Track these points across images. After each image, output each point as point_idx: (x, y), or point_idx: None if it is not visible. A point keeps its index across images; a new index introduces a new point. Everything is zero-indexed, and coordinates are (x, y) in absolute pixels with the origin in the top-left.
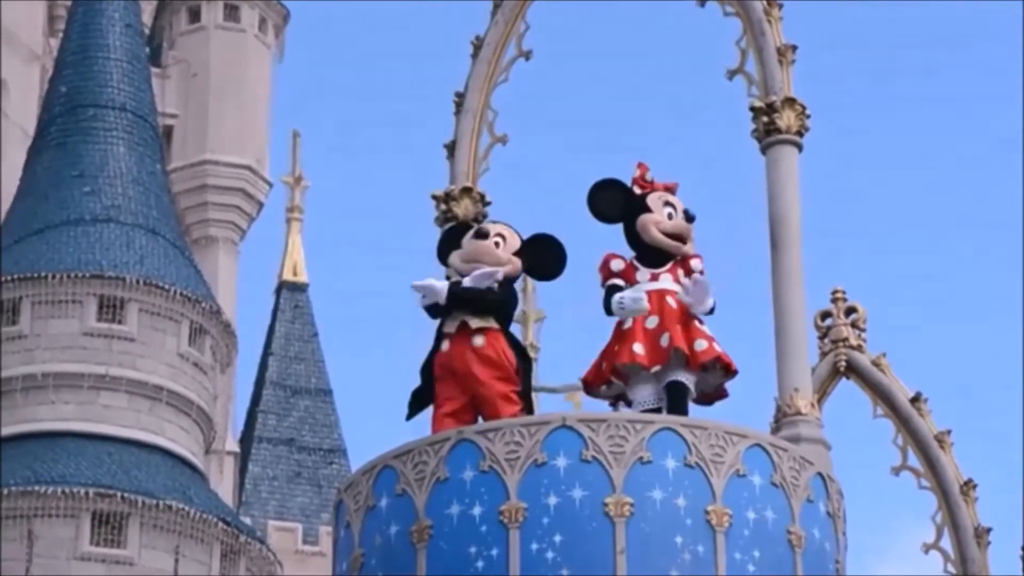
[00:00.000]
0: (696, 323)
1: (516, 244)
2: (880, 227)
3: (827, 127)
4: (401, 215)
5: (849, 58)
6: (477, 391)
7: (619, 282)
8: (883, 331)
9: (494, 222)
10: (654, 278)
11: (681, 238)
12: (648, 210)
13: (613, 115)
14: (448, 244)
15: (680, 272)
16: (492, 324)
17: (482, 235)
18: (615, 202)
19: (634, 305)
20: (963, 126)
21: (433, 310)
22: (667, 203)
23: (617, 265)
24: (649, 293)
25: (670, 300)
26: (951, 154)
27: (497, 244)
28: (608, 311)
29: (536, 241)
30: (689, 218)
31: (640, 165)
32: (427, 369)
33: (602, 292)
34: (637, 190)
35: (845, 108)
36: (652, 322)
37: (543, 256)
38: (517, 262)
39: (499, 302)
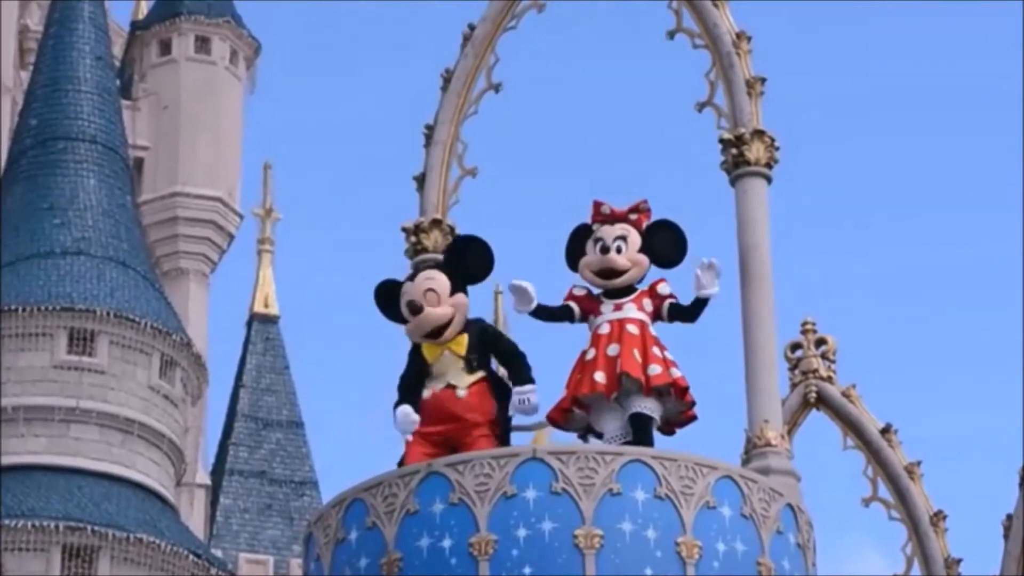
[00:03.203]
0: (655, 349)
1: (445, 284)
2: (850, 259)
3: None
4: (372, 247)
5: (819, 88)
6: (452, 436)
7: (572, 304)
8: (853, 362)
9: (422, 267)
10: (618, 308)
11: (608, 273)
12: (584, 253)
13: (582, 147)
14: (386, 305)
15: (645, 300)
16: (479, 376)
17: (416, 311)
18: (577, 251)
19: (520, 291)
20: (938, 157)
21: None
22: (597, 239)
23: (579, 291)
24: (611, 322)
25: (630, 328)
26: (923, 184)
27: (433, 301)
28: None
29: (450, 250)
30: (620, 238)
31: (594, 203)
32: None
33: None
34: (596, 227)
35: (815, 138)
36: (613, 349)
37: (464, 258)
38: (460, 300)
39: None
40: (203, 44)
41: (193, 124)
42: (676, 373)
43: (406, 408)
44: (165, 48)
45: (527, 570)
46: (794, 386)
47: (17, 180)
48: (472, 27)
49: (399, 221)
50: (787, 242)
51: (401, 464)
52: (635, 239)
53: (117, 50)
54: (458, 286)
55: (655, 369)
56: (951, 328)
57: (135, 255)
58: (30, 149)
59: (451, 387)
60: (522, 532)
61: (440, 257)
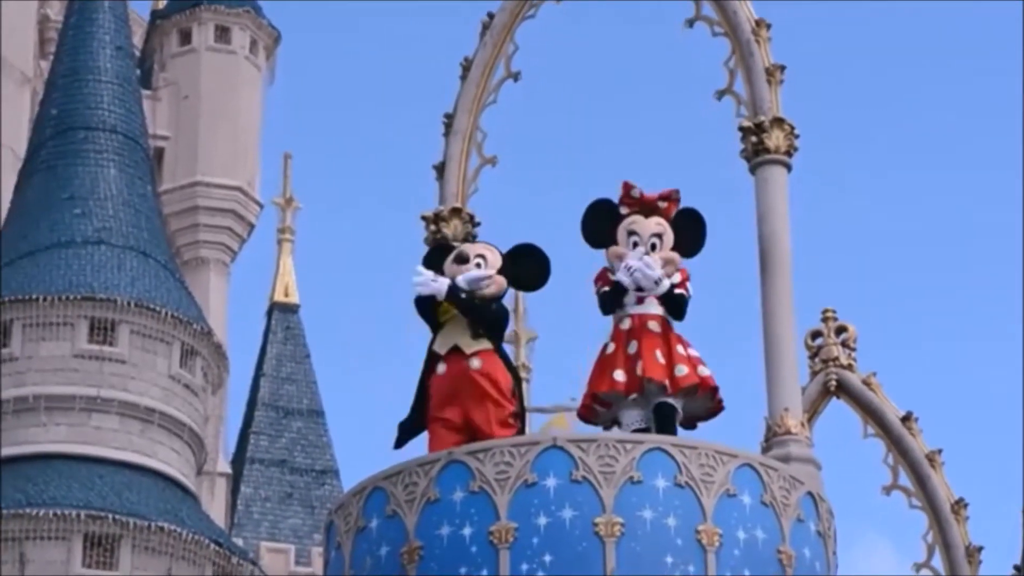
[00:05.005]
0: (680, 347)
1: (498, 262)
2: (871, 246)
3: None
4: (392, 236)
5: (838, 76)
6: (473, 415)
7: (610, 286)
8: (873, 350)
9: (475, 241)
10: (640, 301)
11: None
12: (615, 241)
13: (601, 135)
14: (430, 267)
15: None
16: (486, 345)
17: (462, 259)
18: (601, 229)
19: (646, 270)
20: (955, 142)
21: (425, 308)
22: (632, 232)
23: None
24: (633, 316)
25: (652, 324)
26: (943, 171)
27: (479, 265)
28: (605, 310)
29: (518, 253)
30: (657, 235)
31: (624, 184)
32: (421, 392)
33: (596, 299)
34: (624, 210)
35: (834, 127)
36: (633, 347)
37: (526, 267)
38: (501, 280)
39: (495, 318)
40: (223, 34)
41: (213, 114)
42: (704, 372)
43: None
44: (185, 38)
45: (547, 558)
46: (814, 374)
47: (38, 170)
48: (491, 16)
49: (419, 210)
50: (807, 230)
51: (403, 430)
52: (670, 237)
53: (137, 40)
54: (503, 271)
55: (682, 370)
56: (972, 316)
57: (155, 245)
58: (50, 139)
59: (457, 349)
60: (542, 520)
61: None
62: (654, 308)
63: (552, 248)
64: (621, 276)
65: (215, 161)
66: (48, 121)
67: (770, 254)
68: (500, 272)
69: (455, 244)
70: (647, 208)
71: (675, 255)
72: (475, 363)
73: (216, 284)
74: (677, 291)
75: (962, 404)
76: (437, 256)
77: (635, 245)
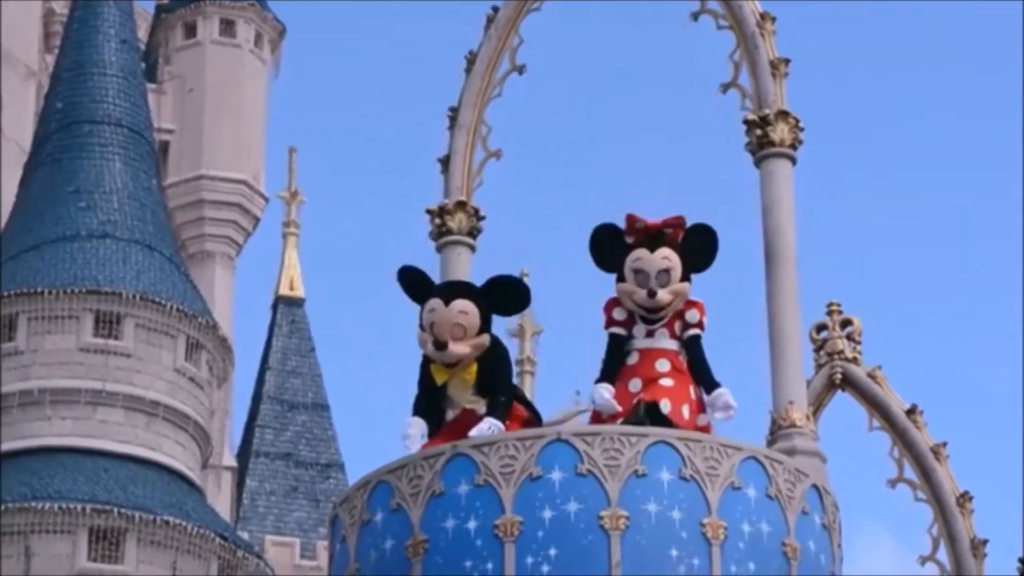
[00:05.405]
0: (685, 407)
1: (475, 323)
2: (876, 239)
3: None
4: (397, 230)
5: (843, 70)
6: None
7: (619, 331)
8: (879, 343)
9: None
10: (649, 335)
11: (653, 311)
12: (621, 270)
13: (606, 129)
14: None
15: (676, 324)
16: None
17: (440, 347)
18: (608, 256)
19: (602, 403)
20: (959, 137)
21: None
22: (637, 271)
23: (619, 314)
24: (641, 351)
25: (660, 364)
26: (947, 165)
27: (458, 335)
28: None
29: (492, 287)
30: (664, 271)
31: (627, 217)
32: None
33: (605, 336)
34: (629, 239)
35: (839, 120)
36: (635, 385)
37: (503, 299)
38: (483, 341)
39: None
40: (228, 27)
41: (218, 107)
42: (702, 421)
43: (417, 421)
44: (190, 31)
45: (553, 551)
46: (819, 367)
47: (43, 163)
48: (496, 9)
49: (424, 203)
50: (813, 224)
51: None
52: (677, 269)
53: (142, 33)
54: (485, 326)
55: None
56: (977, 310)
57: (161, 238)
58: (55, 133)
59: (469, 410)
60: (547, 513)
61: (466, 281)
62: (664, 342)
63: (556, 242)
64: (596, 400)
65: (220, 155)
66: (53, 115)
67: (775, 247)
68: (480, 307)
69: (431, 284)
70: (652, 239)
71: (684, 286)
72: (482, 410)
73: (221, 278)
74: (691, 332)
75: (968, 397)
76: (417, 289)
77: (647, 291)
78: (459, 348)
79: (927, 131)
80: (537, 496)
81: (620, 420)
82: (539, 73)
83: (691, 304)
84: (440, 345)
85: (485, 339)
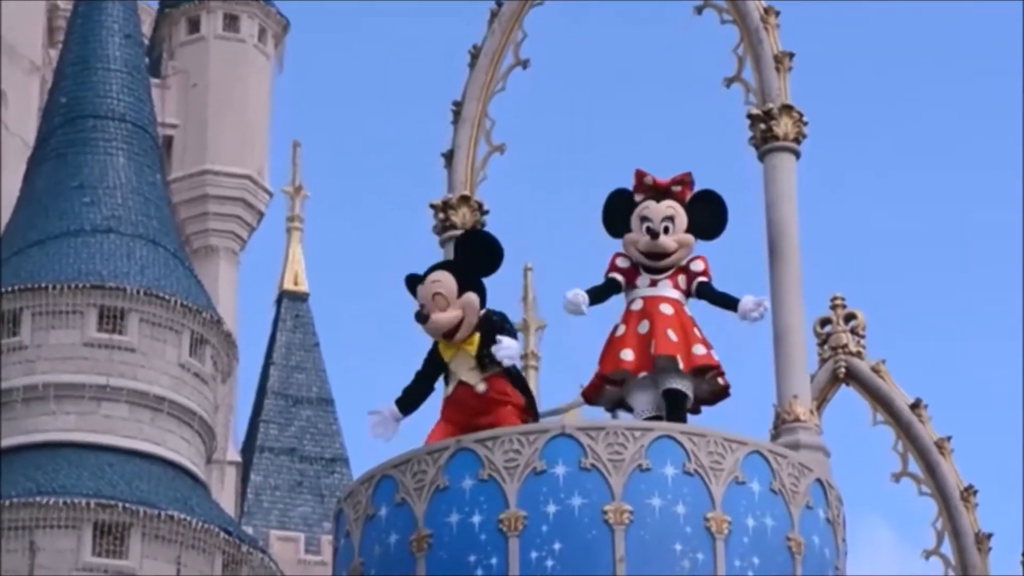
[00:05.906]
0: (696, 330)
1: (452, 285)
2: (879, 234)
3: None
4: (401, 224)
5: (847, 64)
6: (479, 421)
7: (617, 276)
8: (882, 338)
9: (429, 273)
10: (653, 284)
11: (656, 256)
12: (629, 229)
13: (610, 123)
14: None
15: (680, 277)
16: (490, 372)
17: (422, 319)
18: (618, 219)
19: (572, 303)
20: (962, 132)
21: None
22: (644, 218)
23: (622, 262)
24: (644, 299)
25: (664, 307)
26: (951, 160)
27: (441, 305)
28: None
29: (456, 246)
30: (668, 218)
31: (636, 172)
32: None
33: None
34: (638, 197)
35: (843, 116)
36: (644, 327)
37: (472, 254)
38: (469, 300)
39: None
40: (232, 22)
41: (222, 102)
42: (716, 357)
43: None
44: (194, 26)
45: (557, 546)
46: (823, 361)
47: (47, 158)
48: (500, 3)
49: (427, 198)
50: (815, 218)
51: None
52: (682, 218)
53: (146, 28)
54: (467, 284)
55: (699, 349)
56: (981, 303)
57: (165, 233)
58: (59, 127)
59: (466, 384)
60: (551, 508)
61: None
62: (668, 291)
63: (560, 236)
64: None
65: (224, 149)
66: (57, 109)
67: (779, 241)
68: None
69: (418, 277)
70: (660, 193)
71: (688, 237)
72: (481, 388)
73: (225, 272)
74: (699, 280)
75: (972, 391)
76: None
77: (648, 230)
78: (445, 316)
79: (930, 128)
80: (541, 491)
81: (640, 373)
82: (543, 68)
83: (694, 257)
84: (421, 317)
85: (471, 297)
